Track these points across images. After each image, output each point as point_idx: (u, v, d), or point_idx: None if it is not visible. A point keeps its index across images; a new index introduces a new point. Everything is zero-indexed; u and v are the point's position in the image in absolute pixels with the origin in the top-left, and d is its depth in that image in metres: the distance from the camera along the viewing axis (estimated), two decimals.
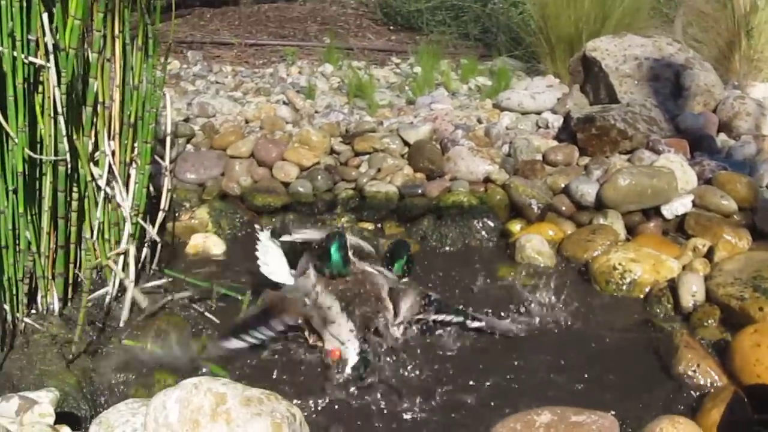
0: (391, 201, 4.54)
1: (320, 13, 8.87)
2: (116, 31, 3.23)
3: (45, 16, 2.87)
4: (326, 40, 7.53)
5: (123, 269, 3.36)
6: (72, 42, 2.94)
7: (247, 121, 5.38)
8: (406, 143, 4.94)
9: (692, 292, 3.58)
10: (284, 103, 5.73)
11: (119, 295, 3.38)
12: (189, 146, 5.02)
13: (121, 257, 3.36)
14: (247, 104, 5.74)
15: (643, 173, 4.31)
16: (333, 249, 3.31)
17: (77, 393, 2.90)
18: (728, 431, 2.66)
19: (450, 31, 7.86)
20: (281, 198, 4.55)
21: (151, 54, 3.33)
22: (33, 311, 3.19)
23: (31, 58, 2.90)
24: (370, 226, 4.47)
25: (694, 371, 3.02)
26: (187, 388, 2.19)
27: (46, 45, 2.90)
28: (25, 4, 2.85)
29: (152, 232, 3.52)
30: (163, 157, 3.58)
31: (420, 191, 4.58)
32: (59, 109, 2.93)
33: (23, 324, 3.12)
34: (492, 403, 2.90)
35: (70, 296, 3.21)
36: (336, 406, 2.88)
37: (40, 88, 2.97)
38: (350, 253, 3.39)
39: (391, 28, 8.38)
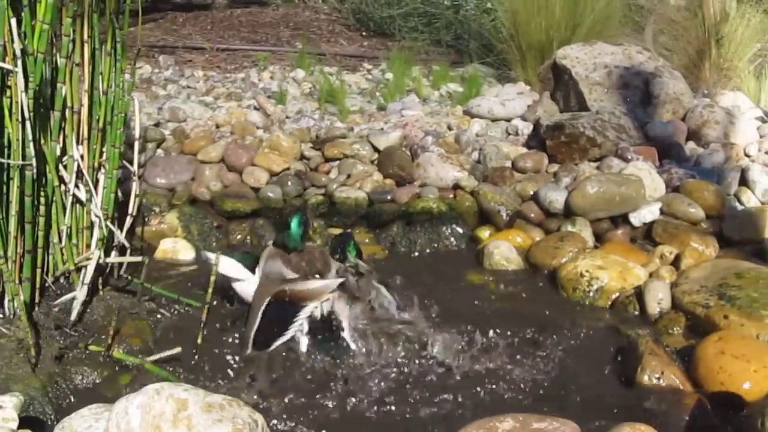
0: (361, 207, 4.55)
1: (293, 19, 8.87)
2: (85, 36, 3.23)
3: (14, 21, 2.87)
4: (298, 45, 7.54)
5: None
6: (40, 47, 2.94)
7: (217, 126, 5.38)
8: (376, 149, 4.95)
9: (658, 300, 3.61)
10: (255, 108, 5.73)
11: (88, 300, 3.37)
12: (159, 151, 5.01)
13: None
14: (218, 109, 5.74)
15: (611, 181, 4.34)
16: (294, 223, 3.39)
17: (42, 398, 2.90)
18: None
19: (422, 38, 7.87)
20: (251, 203, 4.55)
21: (120, 59, 3.32)
22: (0, 315, 3.18)
23: None
24: (339, 231, 4.47)
25: (658, 378, 3.04)
26: (149, 393, 2.20)
27: (14, 50, 2.89)
28: None
29: (121, 236, 3.52)
30: (132, 162, 3.57)
31: (389, 197, 4.60)
32: (26, 114, 2.93)
33: None
34: (454, 410, 2.91)
35: (37, 301, 3.19)
36: (299, 412, 2.90)
37: (8, 93, 2.97)
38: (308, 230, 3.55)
39: (364, 34, 8.39)
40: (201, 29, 8.27)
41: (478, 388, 3.04)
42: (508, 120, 5.52)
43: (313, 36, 8.16)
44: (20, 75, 2.91)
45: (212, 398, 2.20)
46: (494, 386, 3.05)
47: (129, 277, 3.62)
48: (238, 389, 2.95)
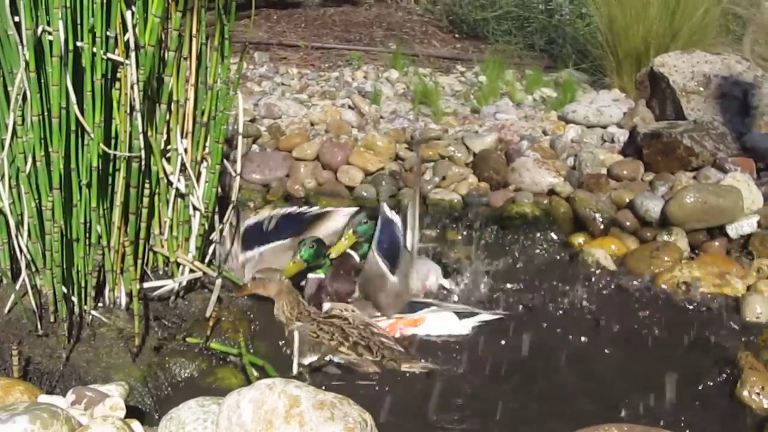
0: (455, 209, 4.56)
1: (386, 19, 8.86)
2: (193, 31, 3.25)
3: (128, 13, 2.89)
4: (392, 45, 7.54)
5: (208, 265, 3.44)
6: (151, 40, 2.96)
7: (312, 124, 5.41)
8: (471, 152, 4.94)
9: (757, 313, 3.57)
10: (349, 107, 5.75)
11: (185, 292, 3.41)
12: (255, 146, 5.05)
13: (193, 252, 3.41)
14: (313, 107, 5.77)
15: (709, 191, 4.28)
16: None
17: (142, 387, 2.95)
18: None
19: (515, 41, 7.82)
20: (345, 202, 4.57)
21: (227, 55, 3.34)
22: (100, 305, 3.22)
23: (110, 55, 2.92)
24: (432, 233, 4.47)
25: (758, 394, 3.00)
26: (261, 389, 2.21)
27: (126, 42, 2.92)
28: (105, 1, 2.87)
29: (219, 230, 3.55)
30: (229, 157, 3.60)
31: (484, 201, 4.59)
32: (137, 106, 2.96)
33: (90, 317, 3.14)
34: (556, 418, 2.90)
35: (137, 292, 3.22)
36: (403, 413, 2.90)
37: (117, 85, 3.00)
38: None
39: (457, 36, 8.36)
40: (295, 27, 8.30)
41: (577, 396, 3.04)
42: (604, 127, 5.49)
43: (406, 37, 8.15)
44: (132, 67, 2.93)
45: (323, 396, 2.21)
46: (592, 394, 3.04)
47: (224, 273, 3.63)
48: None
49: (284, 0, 9.04)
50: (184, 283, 3.40)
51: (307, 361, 3.15)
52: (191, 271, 3.39)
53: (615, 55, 6.37)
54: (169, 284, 3.34)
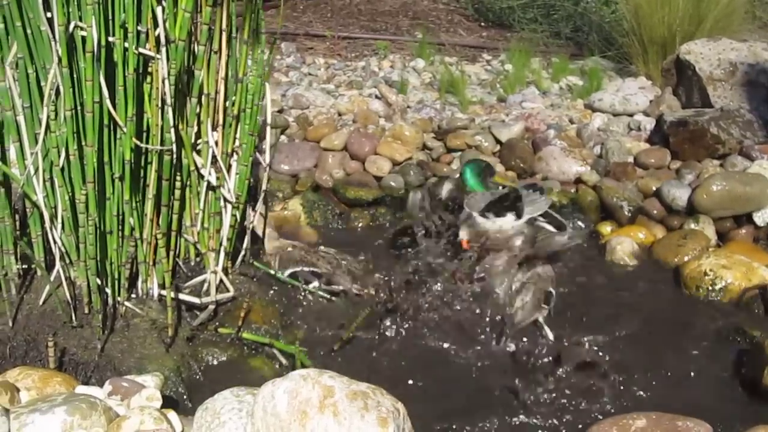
0: None
1: (412, 8, 8.86)
2: (223, 25, 3.28)
3: (159, 9, 2.93)
4: (418, 34, 7.53)
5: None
6: (181, 34, 2.99)
7: (340, 114, 5.43)
8: (498, 141, 4.95)
9: None
10: (376, 97, 5.76)
11: (219, 283, 3.44)
12: (283, 137, 5.08)
13: (224, 243, 3.44)
14: (340, 97, 5.78)
15: (735, 179, 4.30)
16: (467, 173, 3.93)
17: (176, 377, 2.99)
18: None
19: (541, 29, 7.81)
20: (373, 192, 4.60)
21: (261, 46, 3.37)
22: (133, 296, 3.26)
23: (141, 50, 2.96)
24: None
25: None
26: (295, 379, 2.24)
27: (157, 37, 2.95)
28: None
29: (250, 221, 3.58)
30: (260, 148, 3.62)
31: None
32: (168, 100, 2.99)
33: (124, 308, 3.19)
34: (586, 406, 2.92)
35: (169, 283, 3.25)
36: (437, 401, 2.93)
37: (148, 79, 3.03)
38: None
39: (482, 24, 8.35)
40: (321, 17, 8.31)
41: (608, 385, 3.06)
42: (630, 115, 5.49)
43: (431, 26, 8.15)
44: (163, 61, 2.97)
45: (357, 386, 2.24)
46: (622, 384, 3.06)
47: (256, 263, 3.67)
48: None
49: None
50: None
51: None
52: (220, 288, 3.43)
53: (641, 42, 6.36)
54: (204, 277, 3.38)
